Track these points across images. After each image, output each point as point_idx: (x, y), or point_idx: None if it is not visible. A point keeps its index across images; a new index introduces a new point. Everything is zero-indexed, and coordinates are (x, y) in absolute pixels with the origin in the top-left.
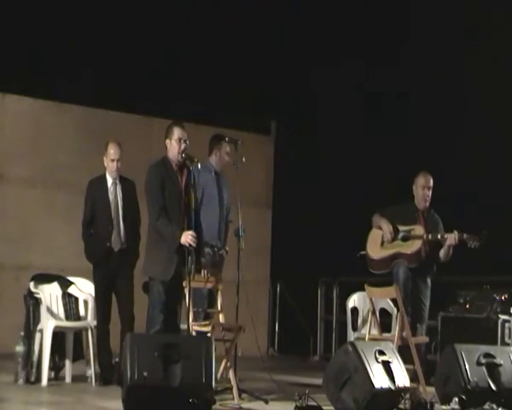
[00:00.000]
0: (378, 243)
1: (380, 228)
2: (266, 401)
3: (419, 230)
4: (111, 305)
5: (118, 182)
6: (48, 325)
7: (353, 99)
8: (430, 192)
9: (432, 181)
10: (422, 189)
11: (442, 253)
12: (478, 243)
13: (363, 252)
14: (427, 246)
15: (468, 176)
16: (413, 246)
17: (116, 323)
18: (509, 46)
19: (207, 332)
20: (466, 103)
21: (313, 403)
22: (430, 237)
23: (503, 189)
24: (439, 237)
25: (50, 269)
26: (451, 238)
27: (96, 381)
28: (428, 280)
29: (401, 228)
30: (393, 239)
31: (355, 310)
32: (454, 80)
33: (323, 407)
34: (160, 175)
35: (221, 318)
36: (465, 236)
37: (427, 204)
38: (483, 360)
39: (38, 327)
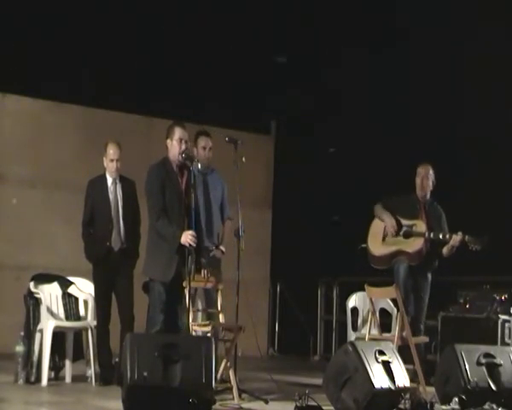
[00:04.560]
0: (379, 238)
1: (382, 220)
2: (266, 401)
3: (421, 226)
4: (111, 305)
5: (118, 181)
6: (48, 325)
7: (353, 98)
8: (430, 182)
9: (431, 171)
10: (421, 179)
11: (445, 251)
12: (479, 246)
13: (363, 245)
14: (429, 243)
15: (469, 175)
16: (414, 245)
17: (116, 323)
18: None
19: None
20: (467, 103)
21: (313, 403)
22: (432, 235)
23: (503, 188)
24: (440, 236)
25: (50, 269)
26: (456, 240)
27: (96, 381)
28: (429, 275)
29: (403, 222)
30: (397, 234)
31: (355, 310)
32: (456, 77)
33: (323, 407)
34: (160, 176)
35: (221, 318)
36: (467, 238)
37: (428, 195)
38: (483, 360)
39: (38, 327)
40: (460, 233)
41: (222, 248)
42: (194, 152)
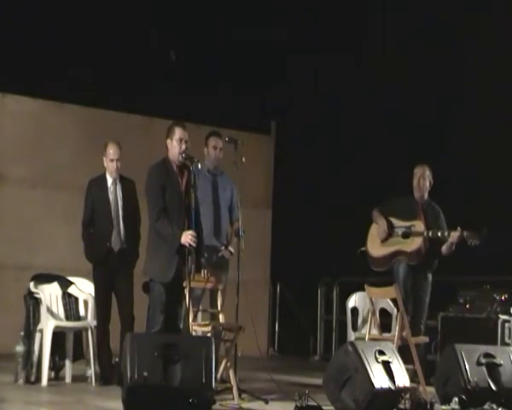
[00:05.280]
0: (378, 240)
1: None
2: (266, 401)
3: (419, 226)
4: (111, 305)
5: (118, 181)
6: (48, 325)
7: (353, 98)
8: (427, 183)
9: (428, 172)
10: (418, 179)
11: (444, 248)
12: (477, 241)
13: (363, 248)
14: (428, 242)
15: (469, 175)
16: (413, 244)
17: (116, 323)
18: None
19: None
20: (467, 103)
21: (313, 403)
22: (430, 234)
23: (503, 188)
24: (439, 234)
25: (50, 269)
26: (454, 237)
27: (96, 381)
28: (429, 275)
29: (401, 224)
30: (390, 236)
31: (355, 310)
32: (456, 77)
33: (323, 407)
34: (161, 176)
35: (221, 318)
36: (465, 233)
37: (425, 195)
38: (483, 360)
39: (38, 327)
40: (458, 229)
41: (230, 248)
42: (205, 152)
